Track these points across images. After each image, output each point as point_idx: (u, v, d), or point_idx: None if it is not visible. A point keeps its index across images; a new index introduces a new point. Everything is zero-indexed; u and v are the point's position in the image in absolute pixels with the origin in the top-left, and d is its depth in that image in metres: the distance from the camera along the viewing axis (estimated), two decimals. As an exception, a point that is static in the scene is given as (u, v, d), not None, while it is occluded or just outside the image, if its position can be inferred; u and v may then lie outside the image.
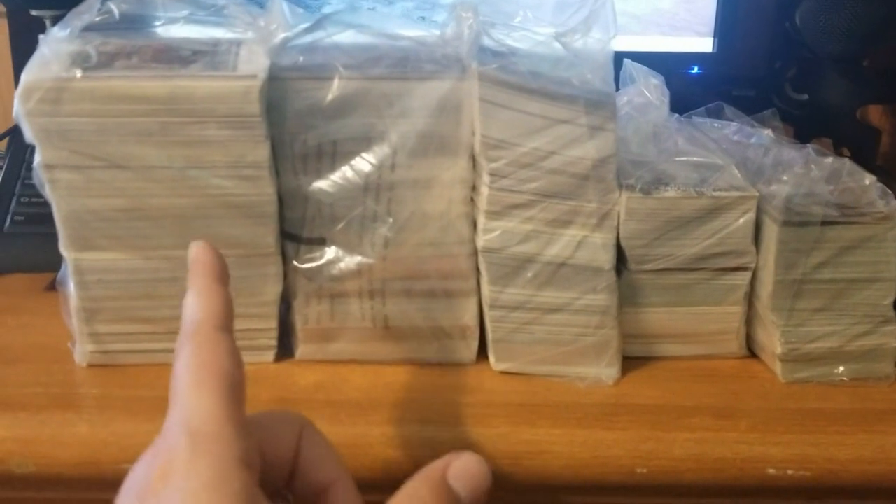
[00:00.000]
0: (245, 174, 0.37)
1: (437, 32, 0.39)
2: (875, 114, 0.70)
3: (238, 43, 0.37)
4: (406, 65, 0.38)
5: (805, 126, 0.67)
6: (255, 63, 0.36)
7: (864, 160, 0.68)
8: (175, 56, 0.36)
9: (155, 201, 0.37)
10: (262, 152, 0.37)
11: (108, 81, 0.35)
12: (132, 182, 0.37)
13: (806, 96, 0.66)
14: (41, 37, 0.36)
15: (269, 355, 0.42)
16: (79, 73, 0.34)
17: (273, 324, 0.41)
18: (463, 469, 0.30)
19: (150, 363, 0.41)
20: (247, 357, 0.41)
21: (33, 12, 0.52)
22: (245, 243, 0.39)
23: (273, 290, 0.41)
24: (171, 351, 0.40)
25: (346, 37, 0.38)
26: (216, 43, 0.37)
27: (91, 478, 0.37)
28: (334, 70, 0.37)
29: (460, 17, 0.38)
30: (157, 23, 0.38)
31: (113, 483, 0.36)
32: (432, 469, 0.30)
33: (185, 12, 0.37)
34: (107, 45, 0.36)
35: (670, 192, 0.40)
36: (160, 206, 0.37)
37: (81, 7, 0.35)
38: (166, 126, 0.36)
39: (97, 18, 0.35)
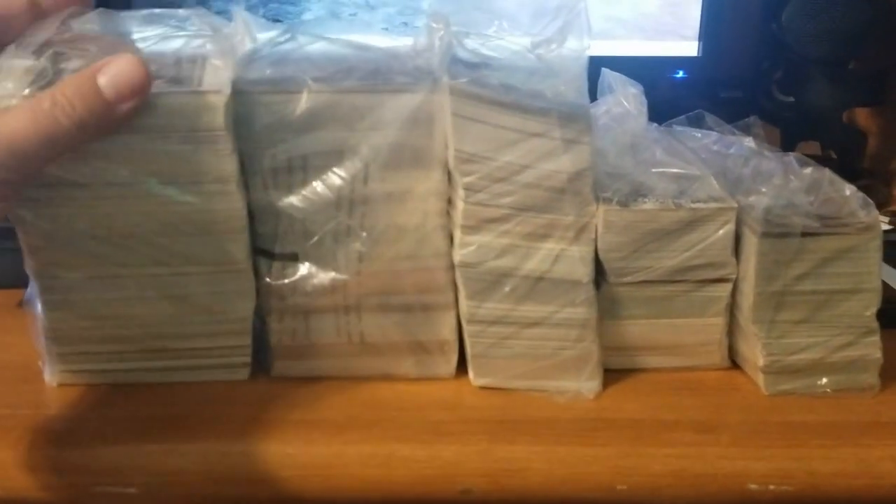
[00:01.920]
0: (212, 189, 0.37)
1: (410, 43, 0.38)
2: (862, 116, 0.69)
3: (203, 57, 0.37)
4: (377, 77, 0.37)
5: (792, 129, 0.67)
6: (219, 77, 0.36)
7: (851, 163, 0.68)
8: None
9: (120, 219, 0.36)
10: (229, 167, 0.37)
11: None
12: (95, 200, 0.36)
13: (792, 98, 0.66)
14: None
15: (244, 373, 0.41)
16: (39, 91, 0.34)
17: (247, 340, 0.41)
18: (115, 70, 0.30)
19: (121, 382, 0.40)
20: (221, 375, 0.41)
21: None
22: (215, 260, 0.38)
23: (246, 307, 0.40)
24: (143, 370, 0.40)
25: (317, 48, 0.37)
26: (179, 57, 0.37)
27: (60, 503, 0.36)
28: (303, 83, 0.37)
29: (431, 28, 0.37)
30: (120, 38, 0.37)
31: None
32: (84, 71, 0.30)
33: (149, 26, 0.37)
34: (67, 61, 0.35)
35: (648, 205, 0.40)
36: (125, 223, 0.37)
37: (39, 25, 0.34)
38: (129, 142, 0.35)
39: (56, 37, 0.34)
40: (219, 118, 0.35)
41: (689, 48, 0.64)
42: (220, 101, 0.35)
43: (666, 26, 0.64)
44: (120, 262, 0.38)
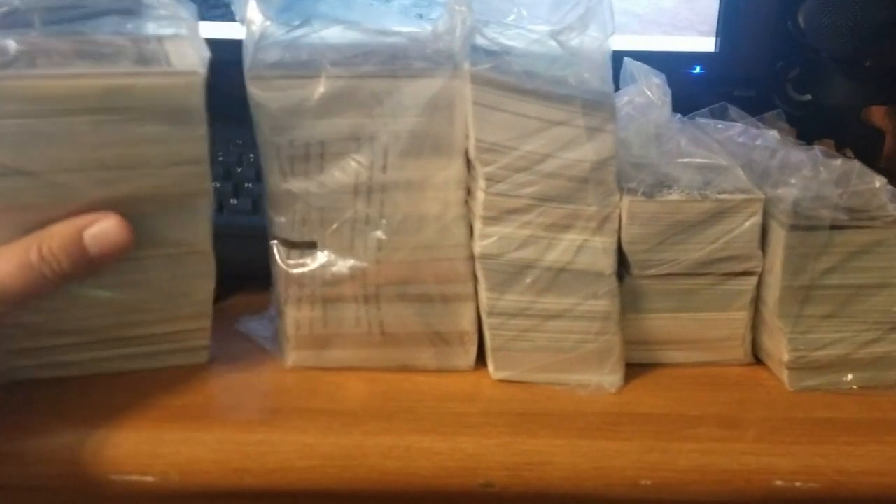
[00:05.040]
0: (182, 171, 0.36)
1: (429, 28, 0.38)
2: (878, 115, 0.69)
3: (161, 38, 0.36)
4: (396, 62, 0.36)
5: (807, 127, 0.66)
6: (187, 57, 0.35)
7: (868, 162, 0.67)
8: (98, 53, 0.34)
9: (84, 203, 0.35)
10: (201, 148, 0.36)
11: (35, 81, 0.33)
12: (58, 187, 0.34)
13: (808, 97, 0.66)
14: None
15: (204, 356, 0.40)
16: (4, 73, 0.33)
17: (206, 323, 0.40)
18: (102, 229, 0.34)
19: (74, 375, 0.39)
20: (179, 359, 0.40)
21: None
22: (176, 241, 0.38)
23: (205, 290, 0.39)
24: (98, 360, 0.38)
25: (334, 32, 0.37)
26: (137, 38, 0.36)
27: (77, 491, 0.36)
28: (321, 67, 0.36)
29: (453, 10, 0.36)
30: (71, 17, 0.35)
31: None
32: (71, 223, 0.33)
33: (101, 6, 0.36)
34: (22, 41, 0.33)
35: (673, 196, 0.39)
36: (89, 206, 0.35)
37: None
38: (99, 125, 0.34)
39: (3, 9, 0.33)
40: (196, 99, 0.35)
41: (706, 44, 0.63)
42: (197, 81, 0.34)
43: (683, 21, 0.64)
44: None
